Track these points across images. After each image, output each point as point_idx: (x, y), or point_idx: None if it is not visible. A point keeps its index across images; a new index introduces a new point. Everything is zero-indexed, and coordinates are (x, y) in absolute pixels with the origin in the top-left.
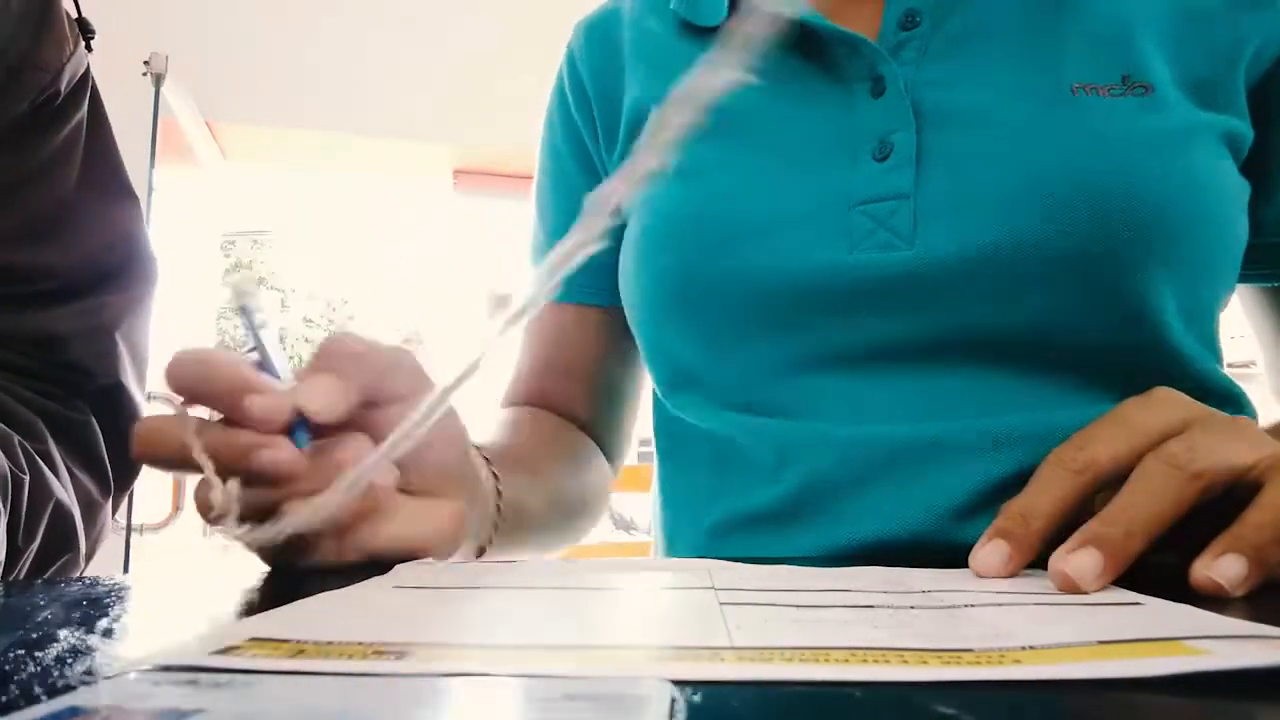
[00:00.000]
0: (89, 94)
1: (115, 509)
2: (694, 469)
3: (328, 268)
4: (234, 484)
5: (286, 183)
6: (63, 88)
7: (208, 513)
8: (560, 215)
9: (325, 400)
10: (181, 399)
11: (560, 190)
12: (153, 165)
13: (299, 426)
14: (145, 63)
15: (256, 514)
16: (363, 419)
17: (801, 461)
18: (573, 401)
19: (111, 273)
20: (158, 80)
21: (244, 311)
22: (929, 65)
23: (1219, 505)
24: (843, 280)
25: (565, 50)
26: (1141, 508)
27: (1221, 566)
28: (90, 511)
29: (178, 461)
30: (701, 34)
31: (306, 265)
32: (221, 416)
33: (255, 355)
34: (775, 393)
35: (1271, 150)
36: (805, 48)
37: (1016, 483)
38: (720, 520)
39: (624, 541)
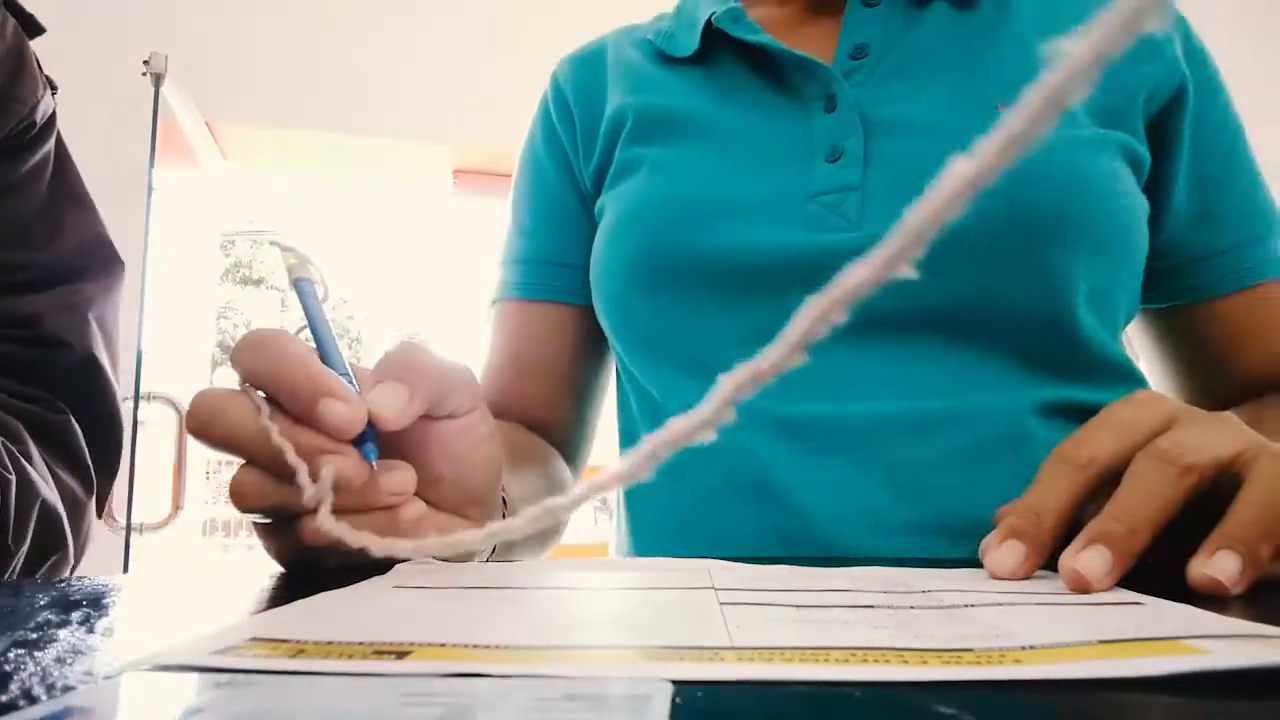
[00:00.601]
0: (55, 132)
1: (101, 503)
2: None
3: (328, 267)
4: (329, 470)
5: (286, 183)
6: (37, 120)
7: (248, 501)
8: (536, 216)
9: (396, 410)
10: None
11: (539, 194)
12: (152, 165)
13: (367, 437)
14: (145, 62)
15: (279, 513)
16: (415, 431)
17: (750, 444)
18: (539, 401)
19: (82, 268)
20: (158, 80)
21: (298, 287)
22: (875, 87)
23: (1206, 501)
24: (798, 257)
25: (550, 78)
26: (1140, 504)
27: (1218, 563)
28: (76, 511)
29: (236, 442)
30: (674, 63)
31: None
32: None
33: (309, 335)
34: (731, 360)
35: (1162, 182)
36: (767, 70)
37: (945, 461)
38: (677, 508)
39: None
